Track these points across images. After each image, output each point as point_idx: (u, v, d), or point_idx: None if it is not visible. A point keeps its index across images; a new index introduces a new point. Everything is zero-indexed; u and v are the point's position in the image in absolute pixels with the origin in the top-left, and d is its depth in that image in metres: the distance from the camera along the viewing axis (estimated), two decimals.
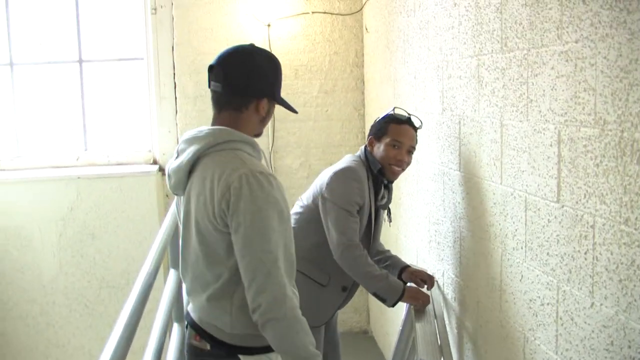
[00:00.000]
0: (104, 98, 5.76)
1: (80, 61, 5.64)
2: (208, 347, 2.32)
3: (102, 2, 5.67)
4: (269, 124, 5.43)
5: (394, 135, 3.22)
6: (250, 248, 2.12)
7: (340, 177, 3.20)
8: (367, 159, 3.27)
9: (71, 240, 5.46)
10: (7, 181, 5.37)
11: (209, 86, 2.33)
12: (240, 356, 2.29)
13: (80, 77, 5.66)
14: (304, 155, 5.66)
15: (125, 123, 5.83)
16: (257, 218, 2.11)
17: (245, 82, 2.28)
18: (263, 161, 2.33)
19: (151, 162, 5.69)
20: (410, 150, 3.26)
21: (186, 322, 2.46)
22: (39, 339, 5.54)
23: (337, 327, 3.69)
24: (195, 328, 2.38)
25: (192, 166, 2.26)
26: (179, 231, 2.47)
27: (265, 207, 2.12)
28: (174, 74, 5.50)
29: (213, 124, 2.32)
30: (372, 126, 3.35)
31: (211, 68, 2.32)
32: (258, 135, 2.38)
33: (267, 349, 2.28)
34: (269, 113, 2.37)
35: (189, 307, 2.47)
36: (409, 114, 3.30)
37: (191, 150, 2.25)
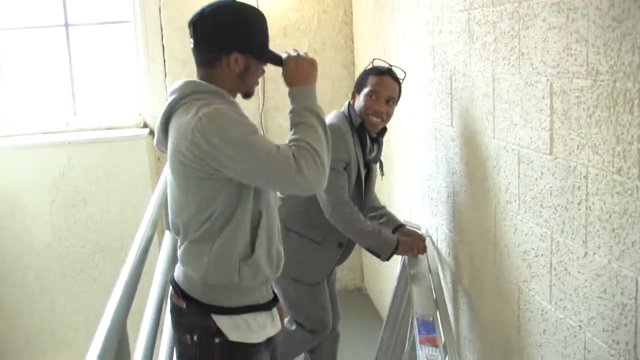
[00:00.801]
0: (91, 62, 5.71)
1: (67, 25, 5.59)
2: (184, 305, 2.30)
3: None
4: (259, 85, 5.41)
5: (372, 86, 3.21)
6: (253, 168, 2.09)
7: None
8: (350, 113, 3.27)
9: (63, 206, 5.46)
10: None
11: (190, 44, 2.32)
12: (213, 315, 2.26)
13: (67, 42, 5.61)
14: None
15: (115, 87, 5.80)
16: (236, 143, 2.07)
17: (212, 37, 2.25)
18: (236, 108, 2.26)
19: (141, 125, 5.67)
20: (390, 101, 3.24)
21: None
22: (35, 305, 5.57)
23: (335, 284, 3.72)
24: (174, 286, 2.37)
25: (167, 121, 2.26)
26: None
27: (234, 129, 2.09)
28: (162, 36, 5.46)
29: None
30: (356, 80, 3.35)
31: (189, 25, 2.30)
32: (247, 94, 2.35)
33: (242, 310, 2.28)
34: (249, 68, 2.28)
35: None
36: (390, 65, 3.29)
37: (165, 106, 2.27)
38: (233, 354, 2.29)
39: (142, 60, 5.51)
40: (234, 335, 2.26)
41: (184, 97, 2.21)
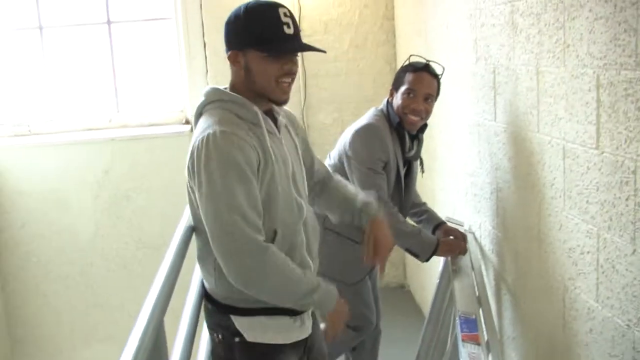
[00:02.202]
0: (134, 59, 5.76)
1: (109, 22, 5.65)
2: (209, 305, 2.37)
3: None
4: (300, 81, 5.42)
5: (409, 83, 3.16)
6: (205, 212, 2.13)
7: (362, 135, 3.16)
8: (388, 111, 3.23)
9: (107, 203, 5.52)
10: (42, 145, 5.43)
11: None
12: (231, 316, 2.29)
13: (110, 39, 5.67)
14: (336, 110, 5.62)
15: (157, 84, 5.84)
16: (210, 180, 2.09)
17: (226, 38, 2.29)
18: (262, 123, 2.22)
19: (183, 122, 5.70)
20: (428, 98, 3.17)
21: None
22: (79, 299, 5.64)
23: (377, 282, 3.69)
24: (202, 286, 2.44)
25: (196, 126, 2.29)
26: None
27: (220, 169, 2.08)
28: (203, 32, 5.48)
29: None
30: (394, 77, 3.31)
31: None
32: (260, 94, 2.24)
33: (259, 312, 2.28)
34: (251, 66, 2.20)
35: None
36: (427, 60, 3.24)
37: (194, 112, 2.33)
38: (252, 353, 2.31)
39: (184, 57, 5.54)
40: (250, 336, 2.28)
41: (209, 103, 2.26)
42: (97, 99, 5.78)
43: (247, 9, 2.24)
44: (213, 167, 2.08)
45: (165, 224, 5.39)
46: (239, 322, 2.28)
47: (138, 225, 5.57)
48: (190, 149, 2.16)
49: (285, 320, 2.33)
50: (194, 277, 2.55)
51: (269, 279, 2.13)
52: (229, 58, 2.26)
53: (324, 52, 2.30)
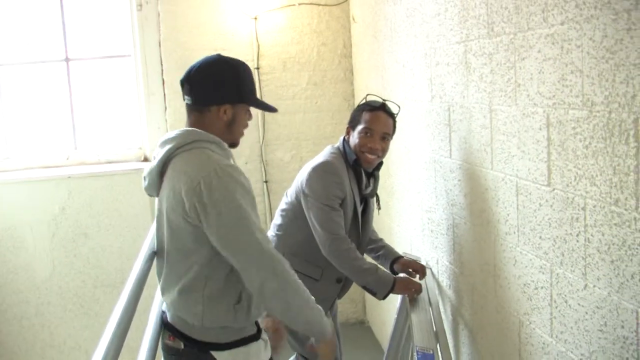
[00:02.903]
0: (92, 96, 5.73)
1: (67, 59, 5.62)
2: (182, 345, 2.38)
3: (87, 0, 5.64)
4: (258, 118, 5.45)
5: (366, 122, 3.21)
6: (236, 237, 2.22)
7: (319, 173, 3.19)
8: (345, 149, 3.26)
9: (64, 240, 5.45)
10: None
11: (184, 99, 2.45)
12: (213, 352, 2.35)
13: (68, 76, 5.63)
14: (295, 147, 5.65)
15: (115, 121, 5.81)
16: (233, 207, 2.20)
17: (208, 92, 2.38)
18: (231, 161, 2.39)
19: (142, 159, 5.67)
20: (385, 137, 3.22)
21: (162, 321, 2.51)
22: (35, 339, 5.52)
23: (337, 318, 3.69)
24: (168, 328, 2.44)
25: (163, 167, 2.37)
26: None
27: (237, 195, 2.21)
28: (162, 70, 5.48)
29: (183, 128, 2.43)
30: (350, 116, 3.35)
31: (182, 83, 2.44)
32: (233, 144, 2.47)
33: (238, 343, 2.38)
34: (236, 119, 2.43)
35: (164, 306, 2.52)
36: (383, 100, 3.29)
37: (162, 152, 2.35)
38: None
39: (142, 94, 5.53)
40: None
41: (185, 144, 2.31)
42: (54, 136, 5.72)
43: (239, 65, 2.45)
44: (233, 196, 2.20)
45: (123, 262, 5.37)
46: (221, 356, 2.35)
47: (96, 263, 5.50)
48: (190, 181, 2.21)
49: (258, 344, 2.45)
50: (151, 316, 2.53)
51: (297, 296, 2.33)
52: (215, 110, 2.38)
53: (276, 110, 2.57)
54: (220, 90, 2.38)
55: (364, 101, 3.32)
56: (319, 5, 5.58)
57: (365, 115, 3.22)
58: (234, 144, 2.47)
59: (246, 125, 2.50)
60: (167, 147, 2.34)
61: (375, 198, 3.43)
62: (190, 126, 2.40)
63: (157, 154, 2.39)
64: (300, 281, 2.35)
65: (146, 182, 2.46)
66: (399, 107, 3.35)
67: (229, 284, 2.33)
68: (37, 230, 5.40)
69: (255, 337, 2.46)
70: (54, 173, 5.46)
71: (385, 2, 4.24)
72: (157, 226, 2.44)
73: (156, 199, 2.48)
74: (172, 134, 2.38)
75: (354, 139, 3.22)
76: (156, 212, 2.44)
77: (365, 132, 3.19)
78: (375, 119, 3.20)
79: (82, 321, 5.50)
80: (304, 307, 2.35)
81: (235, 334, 2.38)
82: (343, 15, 5.61)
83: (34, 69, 5.65)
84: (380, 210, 3.55)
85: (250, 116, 2.50)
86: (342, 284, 3.38)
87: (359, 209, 3.28)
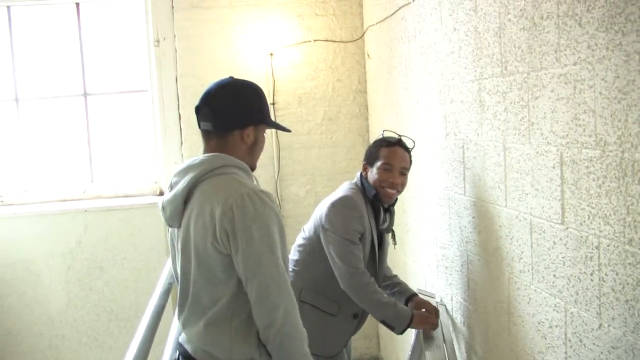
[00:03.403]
0: (109, 130, 5.79)
1: (85, 94, 5.69)
2: None
3: (105, 35, 5.72)
4: (274, 152, 5.49)
5: (385, 158, 3.24)
6: (261, 265, 2.17)
7: (338, 207, 3.21)
8: (363, 185, 3.28)
9: (79, 274, 5.48)
10: (15, 216, 5.39)
11: (199, 126, 2.41)
12: None
13: (85, 110, 5.70)
14: (309, 182, 5.67)
15: (131, 155, 5.86)
16: (264, 234, 2.18)
17: (231, 116, 2.36)
18: (255, 184, 2.37)
19: (158, 193, 5.71)
20: (403, 172, 3.26)
21: (177, 354, 2.45)
22: None
23: (351, 354, 3.68)
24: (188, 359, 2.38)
25: (188, 194, 2.31)
26: (175, 265, 2.47)
27: (270, 222, 2.20)
28: (179, 105, 5.54)
29: (203, 154, 2.39)
30: (366, 152, 3.37)
31: (198, 109, 2.41)
32: (252, 167, 2.44)
33: None
34: (257, 141, 2.43)
35: (182, 339, 2.46)
36: (399, 135, 3.32)
37: (186, 179, 2.30)
38: None
39: (159, 129, 5.58)
40: None
41: (212, 170, 2.29)
42: (71, 170, 5.78)
43: (256, 86, 2.48)
44: (265, 222, 2.19)
45: (138, 296, 5.38)
46: None
47: (111, 296, 5.52)
48: (222, 207, 2.18)
49: None
50: (167, 349, 2.54)
51: (299, 346, 2.29)
52: (238, 134, 2.36)
53: (289, 131, 2.59)
54: (244, 112, 2.37)
55: (380, 137, 3.35)
56: (334, 41, 5.63)
57: (383, 151, 3.25)
58: (253, 168, 2.45)
59: (263, 148, 2.50)
60: (192, 173, 2.30)
61: (391, 233, 3.44)
62: (211, 151, 2.36)
63: (178, 182, 2.35)
64: (304, 332, 2.30)
65: (167, 213, 2.37)
66: (414, 142, 3.38)
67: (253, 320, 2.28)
68: (53, 263, 5.43)
69: None
70: (70, 206, 5.51)
71: (400, 40, 4.27)
72: (181, 257, 2.37)
73: (171, 231, 2.45)
74: (194, 160, 2.34)
75: (373, 174, 3.25)
76: (178, 244, 2.37)
77: (385, 168, 3.22)
78: (394, 154, 3.24)
79: (96, 354, 5.51)
80: (304, 353, 2.29)
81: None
82: (358, 51, 5.66)
83: (52, 104, 5.73)
84: (395, 246, 3.56)
85: (265, 138, 2.50)
86: (359, 320, 3.38)
87: (376, 244, 3.29)
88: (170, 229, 2.45)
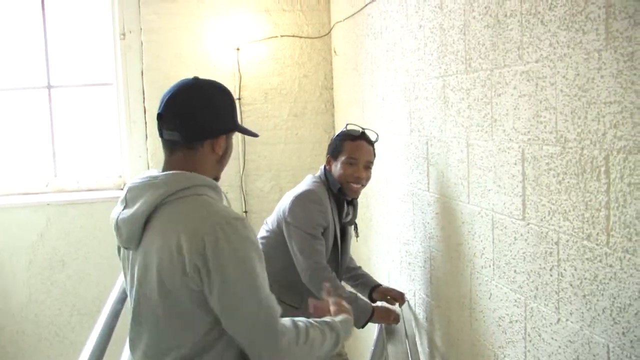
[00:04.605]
0: (73, 124, 5.73)
1: (49, 87, 5.63)
2: None
3: (70, 27, 5.66)
4: (239, 148, 5.47)
5: (349, 152, 3.24)
6: (244, 304, 1.93)
7: (301, 201, 3.20)
8: (327, 178, 3.29)
9: (41, 267, 5.42)
10: None
11: (161, 135, 2.10)
12: None
13: (49, 103, 5.63)
14: (274, 178, 5.66)
15: (95, 148, 5.80)
16: (242, 270, 1.92)
17: (203, 124, 2.06)
18: (225, 203, 2.10)
19: (121, 187, 5.66)
20: (368, 166, 3.28)
21: None
22: None
23: None
24: None
25: (149, 216, 2.00)
26: (129, 287, 2.18)
27: (246, 253, 1.93)
28: (144, 98, 5.49)
29: (165, 168, 2.08)
30: (329, 145, 3.37)
31: (160, 116, 2.09)
32: (217, 179, 2.15)
33: None
34: (228, 149, 2.16)
35: None
36: (363, 128, 3.32)
37: (146, 199, 1.99)
38: None
39: (124, 122, 5.53)
40: None
41: (178, 191, 1.98)
42: (34, 163, 5.71)
43: (223, 87, 2.17)
44: (242, 258, 1.92)
45: (100, 290, 5.33)
46: None
47: (73, 291, 5.46)
48: (191, 240, 1.89)
49: None
50: (126, 348, 2.48)
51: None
52: (209, 144, 2.08)
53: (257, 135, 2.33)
54: (215, 120, 2.08)
55: (343, 130, 3.35)
56: (300, 37, 5.63)
57: (348, 145, 3.25)
58: (218, 178, 2.16)
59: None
60: (154, 192, 1.98)
61: (353, 226, 3.45)
62: (176, 165, 2.04)
63: (135, 199, 2.02)
64: (307, 342, 2.06)
65: (124, 235, 2.05)
66: (377, 135, 3.40)
67: (228, 353, 2.03)
68: (15, 257, 5.37)
69: None
70: (33, 200, 5.45)
71: (367, 36, 4.29)
72: (140, 284, 2.04)
73: (124, 250, 2.16)
74: (157, 177, 2.02)
75: (338, 169, 3.25)
76: (134, 268, 2.06)
77: (349, 162, 3.22)
78: (358, 149, 3.24)
79: (57, 350, 5.46)
80: None
81: None
82: (325, 47, 5.67)
83: (15, 96, 5.65)
84: (358, 239, 3.57)
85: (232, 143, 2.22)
86: None
87: (339, 237, 3.30)
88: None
